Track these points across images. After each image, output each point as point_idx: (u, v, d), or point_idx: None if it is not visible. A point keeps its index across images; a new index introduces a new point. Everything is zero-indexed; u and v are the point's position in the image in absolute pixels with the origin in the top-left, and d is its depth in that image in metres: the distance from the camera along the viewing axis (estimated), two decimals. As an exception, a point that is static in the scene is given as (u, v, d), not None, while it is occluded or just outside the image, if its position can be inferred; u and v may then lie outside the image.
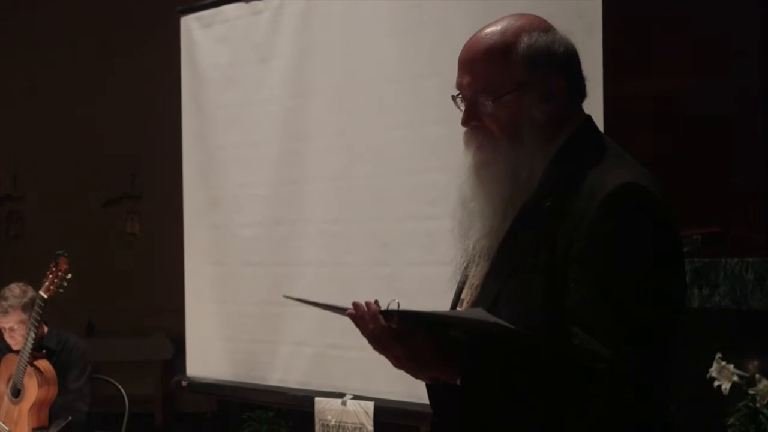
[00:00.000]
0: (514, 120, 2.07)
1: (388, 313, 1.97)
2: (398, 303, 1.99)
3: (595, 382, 1.86)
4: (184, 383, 5.38)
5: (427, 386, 2.20)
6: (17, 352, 4.85)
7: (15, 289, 4.93)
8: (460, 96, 2.14)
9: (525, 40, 2.08)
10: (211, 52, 5.24)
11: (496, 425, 1.99)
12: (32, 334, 4.77)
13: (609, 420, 1.89)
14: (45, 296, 4.78)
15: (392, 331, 1.97)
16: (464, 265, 2.19)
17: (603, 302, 1.89)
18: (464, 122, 2.13)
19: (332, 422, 4.47)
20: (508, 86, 2.07)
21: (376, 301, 2.01)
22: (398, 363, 2.01)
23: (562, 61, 2.10)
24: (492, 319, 1.87)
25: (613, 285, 1.90)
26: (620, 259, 1.91)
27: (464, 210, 2.15)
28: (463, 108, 2.14)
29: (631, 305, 1.89)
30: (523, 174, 2.07)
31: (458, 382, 1.97)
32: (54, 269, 4.82)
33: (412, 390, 4.12)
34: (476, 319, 1.91)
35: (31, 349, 4.77)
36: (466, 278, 2.20)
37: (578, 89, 2.15)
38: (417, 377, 2.11)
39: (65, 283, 4.82)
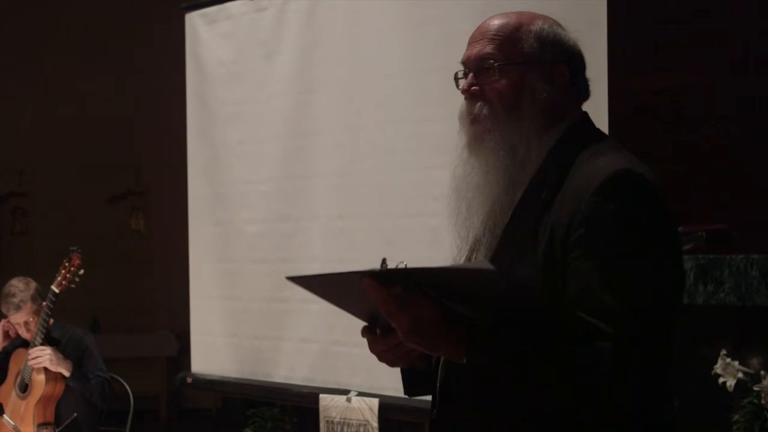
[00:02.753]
0: (516, 93, 2.10)
1: (390, 274, 1.92)
2: (405, 264, 1.96)
3: (598, 361, 1.86)
4: (188, 380, 5.39)
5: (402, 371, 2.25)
6: (27, 346, 4.86)
7: (18, 284, 4.93)
8: (464, 72, 2.17)
9: (539, 23, 2.14)
10: (216, 49, 5.24)
11: (500, 401, 1.98)
12: (42, 329, 4.78)
13: (612, 398, 1.89)
14: (57, 290, 4.79)
15: (397, 300, 1.93)
16: (465, 252, 2.20)
17: (604, 285, 1.90)
18: (465, 88, 2.15)
19: (337, 419, 4.47)
20: (516, 57, 2.10)
21: (384, 260, 1.99)
22: (404, 335, 1.95)
23: (570, 54, 2.14)
24: (494, 268, 1.85)
25: (613, 268, 1.91)
26: (619, 242, 1.92)
27: (458, 193, 2.17)
28: (463, 84, 2.16)
29: (633, 286, 1.90)
30: (521, 150, 2.09)
31: (465, 360, 1.94)
32: (67, 264, 4.83)
33: (416, 386, 4.12)
34: (480, 269, 1.88)
35: (41, 343, 4.78)
36: None
37: (580, 87, 2.18)
38: (424, 352, 2.11)
39: (77, 279, 4.83)
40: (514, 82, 2.10)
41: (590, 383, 1.88)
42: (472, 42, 2.16)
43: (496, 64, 2.11)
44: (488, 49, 2.12)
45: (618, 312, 1.88)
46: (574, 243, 1.95)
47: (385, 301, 1.91)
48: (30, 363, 4.77)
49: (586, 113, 2.19)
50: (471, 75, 2.14)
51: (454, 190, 2.18)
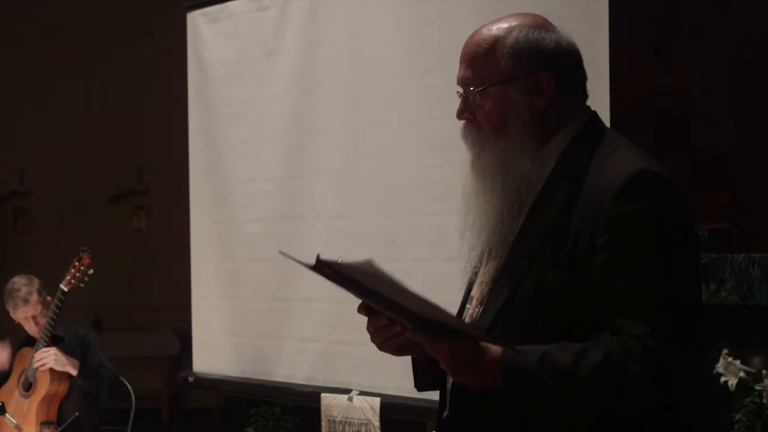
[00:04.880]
0: (500, 113, 2.11)
1: (321, 264, 1.98)
2: (339, 260, 2.01)
3: (633, 370, 1.89)
4: (190, 379, 5.39)
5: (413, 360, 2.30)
6: (32, 345, 4.87)
7: (20, 280, 4.96)
8: (460, 91, 2.19)
9: (514, 34, 2.12)
10: (218, 48, 5.24)
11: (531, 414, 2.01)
12: (48, 329, 4.79)
13: (648, 405, 1.94)
14: (66, 289, 4.80)
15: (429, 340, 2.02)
16: (472, 263, 2.21)
17: (637, 290, 1.93)
18: (458, 115, 2.18)
19: (338, 418, 4.47)
20: (493, 78, 2.11)
21: (318, 255, 2.00)
22: (447, 370, 2.04)
23: (552, 57, 2.12)
24: (385, 273, 1.91)
25: (643, 271, 1.93)
26: (646, 243, 1.94)
27: (466, 206, 2.18)
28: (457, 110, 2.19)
29: (665, 289, 1.93)
30: (512, 169, 2.10)
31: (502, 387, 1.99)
32: (77, 264, 4.85)
33: (418, 386, 4.12)
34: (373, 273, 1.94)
35: (47, 342, 4.79)
36: (476, 276, 2.22)
37: (573, 86, 2.16)
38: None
39: (86, 278, 4.85)
40: (497, 102, 2.12)
41: (626, 392, 1.91)
42: (460, 61, 2.19)
43: (476, 90, 2.13)
44: (468, 73, 2.15)
45: (649, 319, 1.90)
46: (600, 248, 1.96)
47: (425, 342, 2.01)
48: (35, 365, 4.78)
49: (595, 113, 2.18)
50: (462, 100, 2.17)
51: (463, 204, 2.19)
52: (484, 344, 1.98)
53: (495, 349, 1.98)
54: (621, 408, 1.94)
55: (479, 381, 1.99)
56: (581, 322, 1.97)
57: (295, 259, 2.11)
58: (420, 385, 2.37)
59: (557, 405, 1.96)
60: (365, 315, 2.16)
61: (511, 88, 2.10)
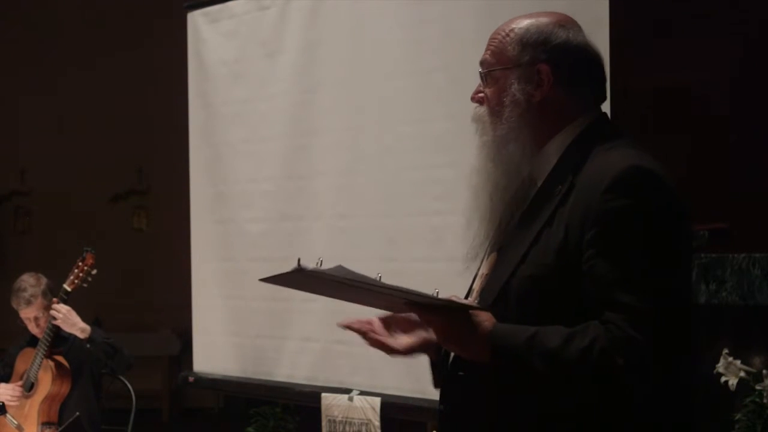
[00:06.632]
0: (499, 97, 2.17)
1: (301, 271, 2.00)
2: (321, 261, 2.04)
3: (616, 358, 1.90)
4: (191, 379, 5.39)
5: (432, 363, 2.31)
6: (35, 346, 4.87)
7: (29, 279, 4.96)
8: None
9: (527, 25, 2.17)
10: (218, 48, 5.25)
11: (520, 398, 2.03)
12: (51, 327, 4.79)
13: (630, 396, 1.95)
14: (69, 289, 4.81)
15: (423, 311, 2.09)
16: (474, 251, 2.23)
17: (619, 284, 1.94)
18: (472, 95, 2.24)
19: (339, 418, 4.47)
20: (499, 62, 2.17)
21: (299, 260, 2.02)
22: (439, 340, 2.12)
23: (555, 52, 2.15)
24: (355, 275, 1.96)
25: (627, 266, 1.94)
26: (632, 239, 1.96)
27: (471, 194, 2.22)
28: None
29: (647, 284, 1.94)
30: (503, 153, 2.14)
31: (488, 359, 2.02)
32: (80, 264, 4.85)
33: (419, 386, 4.12)
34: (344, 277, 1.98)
35: (49, 343, 4.80)
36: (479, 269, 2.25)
37: (577, 84, 2.18)
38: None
39: (90, 279, 4.86)
40: (499, 86, 2.17)
41: (609, 381, 1.93)
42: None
43: (483, 71, 2.20)
44: (484, 56, 2.22)
45: (635, 311, 1.91)
46: (588, 242, 1.98)
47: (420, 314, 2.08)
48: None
49: (604, 115, 2.22)
50: (479, 82, 2.23)
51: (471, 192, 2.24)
52: (477, 319, 2.02)
53: (487, 324, 2.02)
54: (602, 393, 1.95)
55: (468, 352, 2.04)
56: (572, 313, 1.99)
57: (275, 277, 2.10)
58: (437, 383, 2.41)
59: (539, 384, 1.98)
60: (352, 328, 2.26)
61: (512, 75, 2.15)
